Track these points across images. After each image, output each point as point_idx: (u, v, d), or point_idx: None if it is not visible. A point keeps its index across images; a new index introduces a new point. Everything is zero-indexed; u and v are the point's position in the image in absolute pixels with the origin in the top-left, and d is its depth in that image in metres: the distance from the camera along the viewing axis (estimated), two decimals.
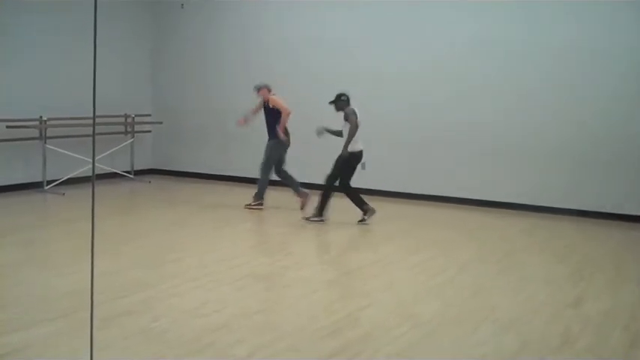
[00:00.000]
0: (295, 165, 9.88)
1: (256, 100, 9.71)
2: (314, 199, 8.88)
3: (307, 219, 8.60)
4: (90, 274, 3.05)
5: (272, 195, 9.83)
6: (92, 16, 2.90)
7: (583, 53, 9.29)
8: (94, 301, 3.13)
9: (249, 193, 9.99)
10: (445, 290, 5.79)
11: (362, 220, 8.50)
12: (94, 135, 2.94)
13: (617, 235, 8.46)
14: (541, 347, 4.44)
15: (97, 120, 11.05)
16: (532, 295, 5.70)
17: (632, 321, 5.06)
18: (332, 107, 8.62)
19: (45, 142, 10.54)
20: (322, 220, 8.54)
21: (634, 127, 9.07)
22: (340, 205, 9.37)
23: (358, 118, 8.36)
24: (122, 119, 12.07)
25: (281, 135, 9.26)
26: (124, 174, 12.09)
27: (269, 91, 9.50)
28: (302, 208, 9.19)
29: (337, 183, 8.54)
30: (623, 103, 9.12)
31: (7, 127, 10.01)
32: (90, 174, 10.94)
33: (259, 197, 9.43)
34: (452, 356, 4.28)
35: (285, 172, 9.51)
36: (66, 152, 10.70)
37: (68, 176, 10.80)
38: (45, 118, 10.47)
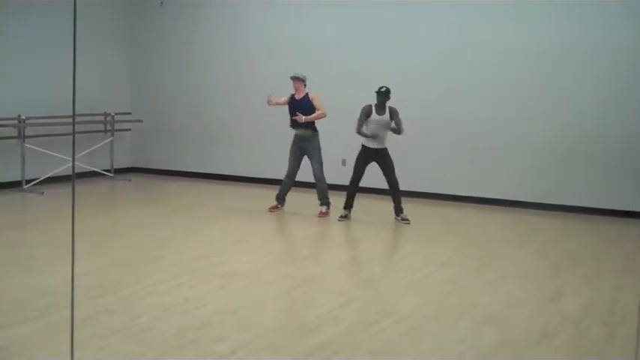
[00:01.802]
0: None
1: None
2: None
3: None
4: (70, 273, 3.03)
5: (253, 193, 9.83)
6: (70, 15, 2.89)
7: (569, 52, 9.36)
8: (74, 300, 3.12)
9: (230, 191, 10.00)
10: (425, 286, 5.82)
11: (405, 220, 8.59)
12: (74, 133, 2.92)
13: (596, 230, 8.55)
14: (520, 342, 4.49)
15: (77, 119, 10.98)
16: (511, 290, 5.75)
17: (610, 315, 5.12)
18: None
19: (23, 141, 10.46)
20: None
21: (617, 124, 9.17)
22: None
23: None
24: (102, 117, 12.00)
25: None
26: (104, 172, 12.03)
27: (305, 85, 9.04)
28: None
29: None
30: (608, 100, 9.22)
31: None
32: (69, 173, 10.87)
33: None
34: (432, 352, 4.30)
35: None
36: (45, 151, 10.62)
37: (47, 175, 10.73)
38: (23, 117, 10.40)
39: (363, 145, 8.57)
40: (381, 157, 8.54)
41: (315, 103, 8.91)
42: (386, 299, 5.52)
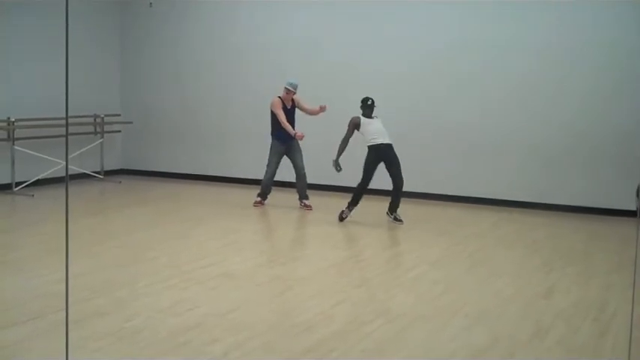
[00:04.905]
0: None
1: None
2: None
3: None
4: (63, 275, 3.03)
5: (245, 194, 9.80)
6: (59, 16, 2.88)
7: (560, 52, 9.39)
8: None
9: (221, 192, 9.97)
10: (417, 285, 5.84)
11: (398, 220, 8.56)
12: (67, 135, 2.91)
13: (587, 229, 8.58)
14: (512, 340, 4.50)
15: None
16: (503, 288, 5.77)
17: (601, 312, 5.14)
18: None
19: (13, 144, 10.41)
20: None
21: (608, 124, 9.21)
22: (315, 202, 9.41)
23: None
24: (91, 119, 11.96)
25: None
26: (94, 174, 11.98)
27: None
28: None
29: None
30: (600, 100, 9.26)
31: None
32: (60, 175, 10.84)
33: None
34: (424, 351, 4.31)
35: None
36: (35, 153, 10.57)
37: (37, 177, 10.68)
38: (13, 119, 10.34)
39: (371, 146, 8.43)
40: (392, 153, 8.45)
41: (302, 104, 9.55)
42: (378, 299, 5.53)
